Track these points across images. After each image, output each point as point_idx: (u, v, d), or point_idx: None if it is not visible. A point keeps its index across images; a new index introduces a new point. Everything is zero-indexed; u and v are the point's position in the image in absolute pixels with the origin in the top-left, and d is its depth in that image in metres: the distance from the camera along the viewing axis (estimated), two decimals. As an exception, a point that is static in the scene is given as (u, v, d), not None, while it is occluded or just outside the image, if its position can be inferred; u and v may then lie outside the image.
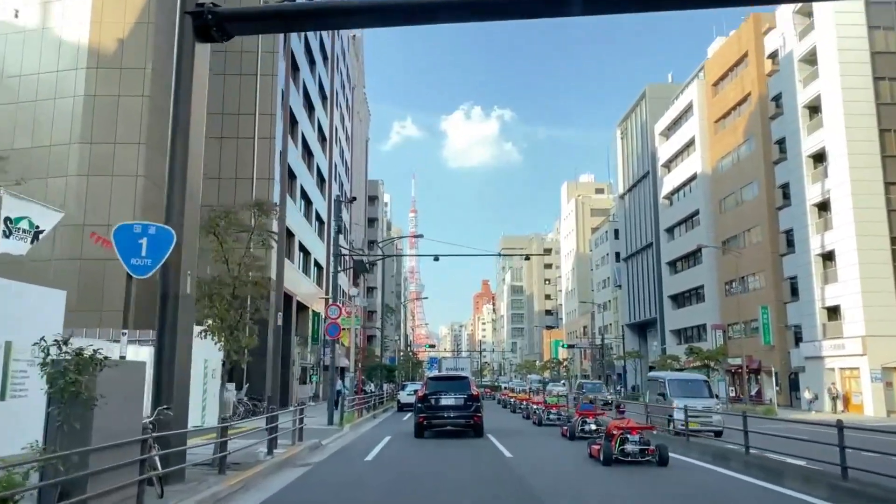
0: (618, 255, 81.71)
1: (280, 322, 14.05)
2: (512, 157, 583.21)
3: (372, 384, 38.10)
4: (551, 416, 23.10)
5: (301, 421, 15.36)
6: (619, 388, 74.22)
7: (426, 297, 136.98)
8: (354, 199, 40.74)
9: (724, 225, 51.87)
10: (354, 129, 73.31)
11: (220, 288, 10.73)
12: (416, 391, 30.29)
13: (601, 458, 11.91)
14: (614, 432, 12.35)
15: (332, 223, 24.60)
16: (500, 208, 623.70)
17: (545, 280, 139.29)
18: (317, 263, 44.51)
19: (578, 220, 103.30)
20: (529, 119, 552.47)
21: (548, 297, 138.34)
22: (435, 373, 29.87)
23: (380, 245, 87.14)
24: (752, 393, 46.58)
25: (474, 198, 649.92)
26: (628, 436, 12.11)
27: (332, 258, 24.25)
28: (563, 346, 72.31)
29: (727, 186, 51.72)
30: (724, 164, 52.51)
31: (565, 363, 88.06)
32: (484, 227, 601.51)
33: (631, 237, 74.57)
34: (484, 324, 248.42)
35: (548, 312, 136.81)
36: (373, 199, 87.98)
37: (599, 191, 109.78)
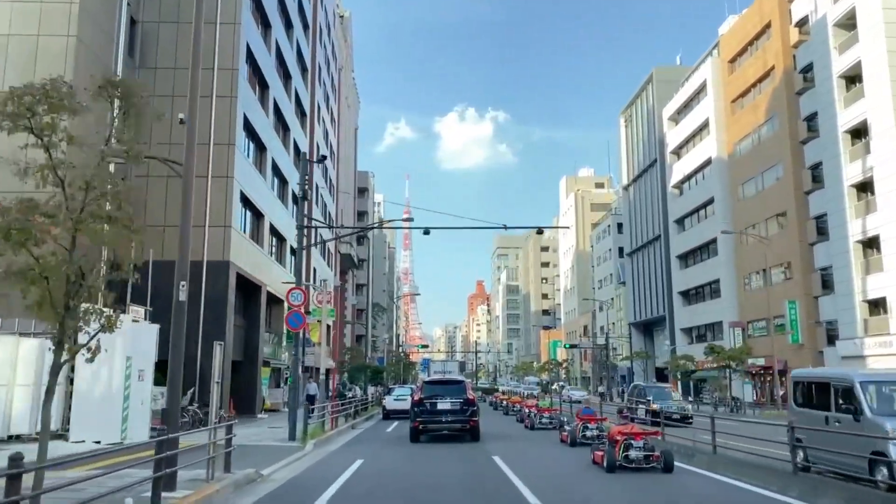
0: (621, 250, 77.27)
1: (184, 297, 9.22)
2: (506, 159, 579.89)
3: (357, 387, 33.41)
4: (543, 420, 23.11)
5: (229, 442, 10.77)
6: (621, 390, 69.81)
7: (419, 293, 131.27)
8: (325, 157, 36.11)
9: (744, 213, 47.47)
10: (342, 114, 68.69)
11: (41, 223, 6.14)
12: (405, 396, 25.96)
13: (605, 465, 11.57)
14: (618, 438, 11.95)
15: (298, 186, 19.94)
16: (494, 210, 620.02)
17: (542, 279, 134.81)
18: (294, 251, 39.86)
19: (578, 216, 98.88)
20: (524, 120, 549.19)
21: (545, 296, 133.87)
22: (431, 377, 28.60)
23: (372, 232, 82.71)
24: (778, 396, 42.14)
25: (468, 199, 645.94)
26: (632, 441, 11.68)
27: (299, 231, 19.63)
28: (564, 347, 67.87)
29: (746, 171, 47.34)
30: (743, 147, 48.13)
31: (565, 364, 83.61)
32: (478, 229, 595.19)
33: (636, 231, 70.16)
34: (479, 325, 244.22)
35: (545, 312, 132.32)
36: (362, 192, 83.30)
37: (599, 185, 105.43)
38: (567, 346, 65.23)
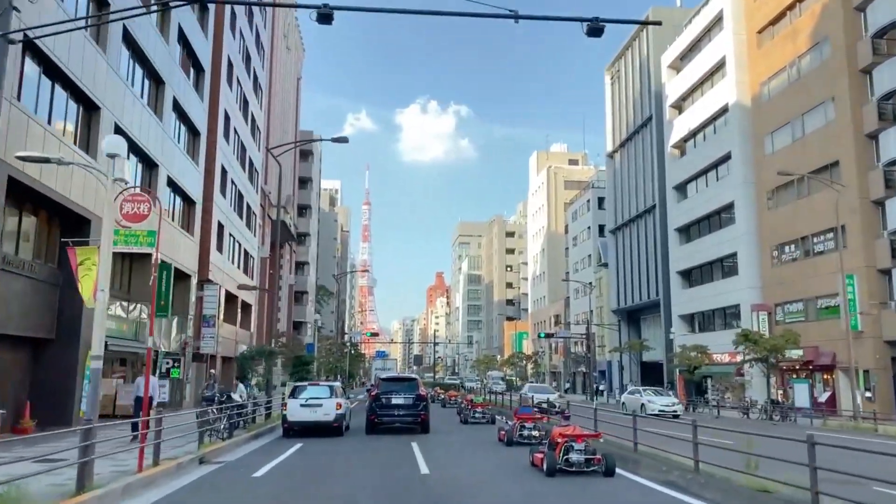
0: (602, 228, 67.63)
1: None
2: (468, 154, 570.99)
3: (244, 386, 22.08)
4: (476, 415, 23.62)
5: None
6: (599, 388, 60.28)
7: (371, 276, 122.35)
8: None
9: (772, 169, 37.95)
10: (279, 56, 57.16)
11: None
12: (321, 399, 17.45)
13: (544, 469, 11.13)
14: (558, 440, 11.51)
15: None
16: (455, 202, 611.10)
17: (507, 267, 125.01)
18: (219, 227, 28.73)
19: (550, 194, 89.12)
20: (486, 116, 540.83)
21: (510, 285, 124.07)
22: (387, 374, 26.15)
23: (318, 207, 70.70)
24: (821, 399, 32.69)
25: (429, 192, 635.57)
26: (573, 444, 11.26)
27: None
28: (539, 336, 57.56)
29: (777, 116, 37.78)
30: (774, 87, 38.55)
31: (534, 358, 73.77)
32: (439, 221, 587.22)
33: (622, 204, 60.50)
34: (437, 317, 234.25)
35: (509, 302, 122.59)
36: (305, 155, 71.80)
37: (573, 162, 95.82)
38: (542, 335, 55.16)
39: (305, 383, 20.37)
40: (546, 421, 16.28)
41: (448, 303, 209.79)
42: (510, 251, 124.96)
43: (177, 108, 26.12)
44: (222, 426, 15.66)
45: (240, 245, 38.77)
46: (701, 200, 45.45)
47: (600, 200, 68.77)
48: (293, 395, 18.35)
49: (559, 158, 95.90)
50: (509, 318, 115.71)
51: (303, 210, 70.99)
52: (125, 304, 22.41)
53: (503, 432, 16.57)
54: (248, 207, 41.30)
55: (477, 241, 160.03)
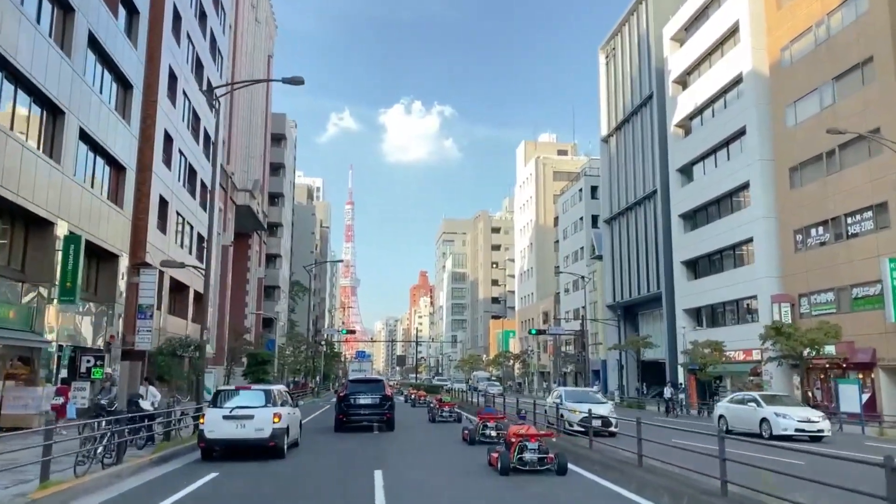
0: (595, 219, 63.40)
1: None
2: (452, 154, 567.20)
3: (150, 390, 16.90)
4: (444, 414, 24.32)
5: None
6: (595, 389, 55.83)
7: (355, 276, 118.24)
8: None
9: (794, 143, 33.76)
10: (247, 26, 52.23)
11: None
12: (251, 409, 11.93)
13: (499, 467, 11.22)
14: (513, 440, 11.72)
15: None
16: (440, 203, 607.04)
17: (493, 264, 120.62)
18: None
19: (539, 186, 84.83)
20: (470, 117, 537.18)
21: (495, 282, 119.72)
22: (356, 376, 27.19)
23: (292, 198, 65.43)
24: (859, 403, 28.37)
25: (414, 193, 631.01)
26: (527, 444, 11.40)
27: None
28: (530, 332, 52.87)
29: (802, 83, 33.56)
30: (797, 51, 34.34)
31: (522, 357, 69.38)
32: (424, 222, 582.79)
33: (618, 191, 56.23)
34: (421, 317, 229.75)
35: (495, 300, 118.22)
36: (278, 140, 66.84)
37: (563, 152, 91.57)
38: (532, 331, 50.51)
39: (232, 386, 15.62)
40: (506, 420, 16.04)
41: (432, 302, 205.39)
42: (496, 247, 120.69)
43: (95, 46, 21.23)
44: (100, 448, 10.87)
45: (192, 228, 33.87)
46: (709, 182, 41.21)
47: (593, 189, 64.52)
48: (215, 402, 13.54)
49: (548, 149, 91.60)
50: (495, 317, 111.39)
51: (275, 199, 65.97)
52: (16, 284, 17.52)
53: (466, 431, 16.73)
54: (203, 185, 36.38)
55: (461, 238, 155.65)
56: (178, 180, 31.13)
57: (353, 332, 62.95)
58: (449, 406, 25.27)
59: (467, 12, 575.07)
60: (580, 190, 65.96)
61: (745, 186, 37.25)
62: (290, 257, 77.98)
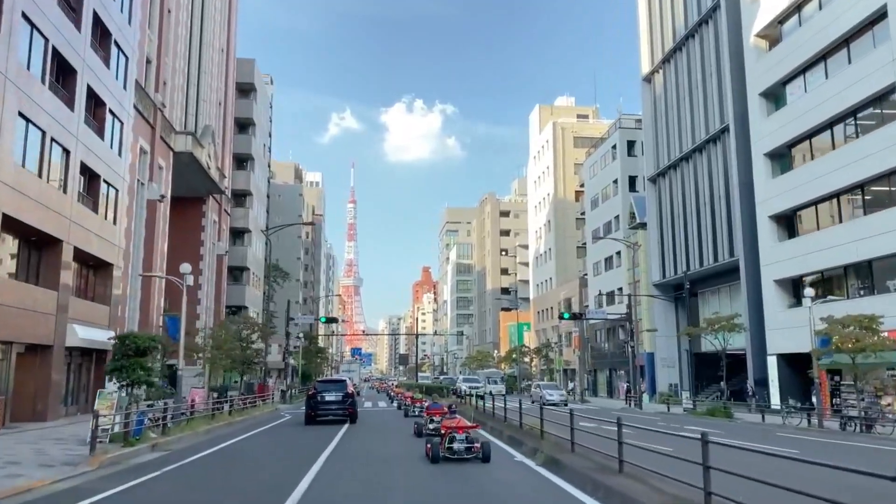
0: (633, 180, 51.93)
1: None
2: (455, 152, 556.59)
3: None
4: (415, 410, 24.80)
5: None
6: (635, 389, 44.25)
7: (357, 275, 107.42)
8: None
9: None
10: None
11: None
12: None
13: (430, 456, 12.18)
14: (443, 432, 12.74)
15: None
16: (443, 201, 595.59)
17: (501, 251, 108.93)
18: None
19: (557, 154, 73.23)
20: (472, 114, 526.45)
21: (504, 271, 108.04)
22: (324, 377, 31.07)
23: (269, 173, 53.02)
24: None
25: (416, 191, 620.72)
26: (455, 435, 12.41)
27: None
28: (562, 316, 40.65)
29: None
30: None
31: (545, 352, 57.83)
32: (426, 220, 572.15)
33: (667, 140, 44.69)
34: (424, 314, 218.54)
35: (504, 291, 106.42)
36: (245, 92, 55.40)
37: (583, 117, 79.84)
38: (566, 315, 38.44)
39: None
40: (448, 415, 15.50)
41: (435, 298, 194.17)
42: (505, 233, 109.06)
43: None
44: None
45: (67, 154, 22.32)
46: (814, 102, 29.59)
47: (630, 145, 52.96)
48: None
49: (566, 113, 79.94)
50: (505, 309, 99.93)
51: (243, 162, 54.53)
52: None
53: (416, 425, 17.68)
54: (96, 99, 24.87)
55: (466, 227, 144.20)
56: (28, 67, 19.61)
57: (334, 320, 51.60)
58: (421, 402, 24.72)
59: (466, 9, 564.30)
60: (613, 147, 54.31)
61: (885, 95, 25.62)
62: (266, 237, 66.53)
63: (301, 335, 53.87)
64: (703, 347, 39.08)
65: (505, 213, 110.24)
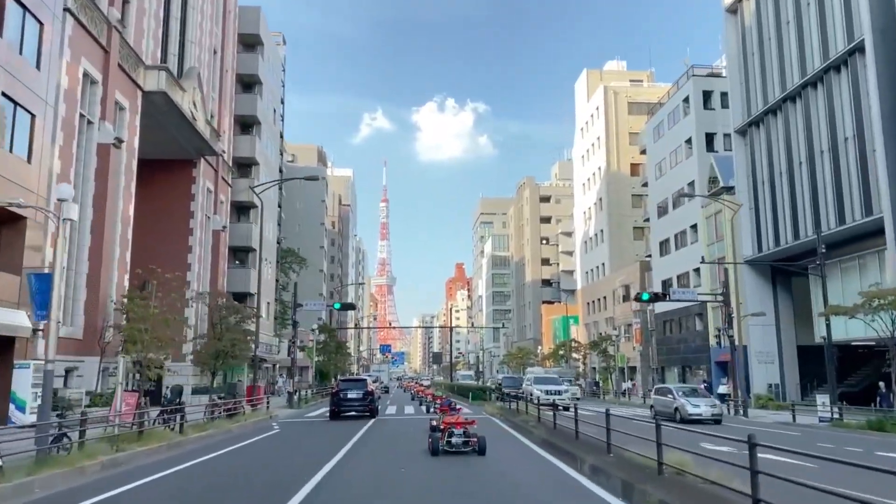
0: (711, 138, 43.03)
1: None
2: (487, 151, 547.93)
3: None
4: (436, 406, 23.61)
5: None
6: (720, 392, 35.15)
7: (391, 274, 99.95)
8: None
9: None
10: None
11: None
12: None
13: (430, 449, 13.06)
14: (442, 427, 13.50)
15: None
16: (475, 200, 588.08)
17: (542, 240, 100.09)
18: None
19: (609, 122, 64.27)
20: (504, 112, 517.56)
21: (545, 262, 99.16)
22: (346, 376, 31.10)
23: (282, 151, 44.66)
24: None
25: (448, 190, 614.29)
26: (454, 430, 13.25)
27: None
28: (642, 299, 31.09)
29: None
30: None
31: (603, 346, 49.13)
32: (459, 219, 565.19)
33: (761, 80, 35.71)
34: (458, 311, 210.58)
35: (546, 283, 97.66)
36: (251, 46, 47.88)
37: (636, 82, 70.62)
38: (645, 296, 29.05)
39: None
40: (449, 412, 16.08)
41: (469, 295, 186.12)
42: (545, 220, 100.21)
43: None
44: None
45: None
46: None
47: (706, 95, 43.97)
48: None
49: (617, 78, 70.80)
50: (547, 302, 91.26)
51: (247, 127, 46.98)
52: None
53: (433, 422, 16.93)
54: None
55: (502, 219, 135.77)
56: None
57: (350, 306, 43.14)
58: (440, 399, 21.17)
59: (495, 6, 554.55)
60: (684, 100, 45.29)
61: None
62: (280, 219, 59.04)
63: (316, 327, 45.97)
64: (815, 338, 30.24)
65: (545, 199, 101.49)
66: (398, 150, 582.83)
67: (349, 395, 24.55)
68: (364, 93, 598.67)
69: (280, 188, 57.14)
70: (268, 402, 26.74)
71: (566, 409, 18.66)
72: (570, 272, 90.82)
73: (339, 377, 43.29)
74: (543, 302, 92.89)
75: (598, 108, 66.03)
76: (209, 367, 33.22)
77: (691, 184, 44.00)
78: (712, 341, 40.12)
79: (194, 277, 35.11)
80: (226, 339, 25.10)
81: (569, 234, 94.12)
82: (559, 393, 29.36)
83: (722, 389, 34.64)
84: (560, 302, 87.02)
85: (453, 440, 13.08)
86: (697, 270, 41.98)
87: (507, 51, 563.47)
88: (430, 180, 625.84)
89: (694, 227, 43.04)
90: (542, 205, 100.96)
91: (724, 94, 43.16)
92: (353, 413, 24.31)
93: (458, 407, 16.29)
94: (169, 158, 35.08)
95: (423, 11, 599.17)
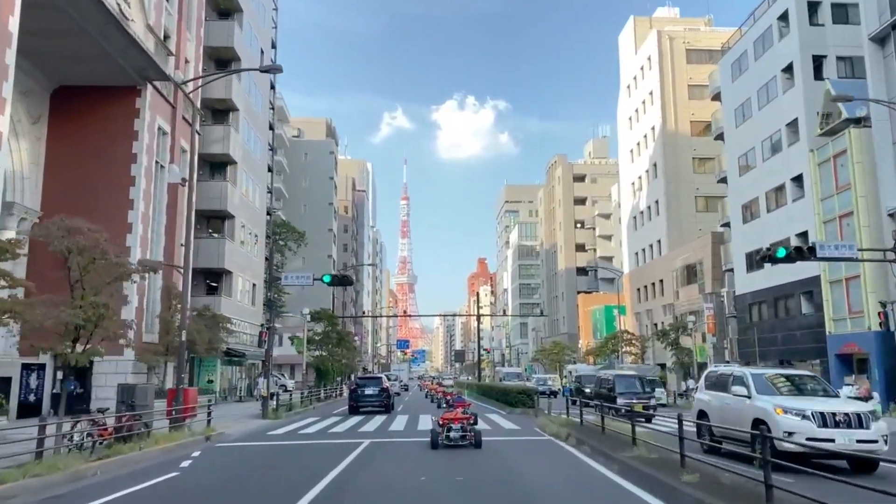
0: (820, 61, 32.80)
1: None
2: (508, 149, 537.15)
3: None
4: (446, 402, 25.53)
5: None
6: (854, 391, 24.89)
7: (412, 273, 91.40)
8: None
9: None
10: None
11: None
12: None
13: (431, 443, 13.98)
14: (442, 423, 14.22)
15: None
16: (496, 198, 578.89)
17: (576, 224, 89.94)
18: None
19: (665, 73, 54.01)
20: (525, 110, 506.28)
21: (580, 247, 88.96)
22: (361, 374, 32.65)
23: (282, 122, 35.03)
24: None
25: (469, 188, 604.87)
26: (452, 425, 14.01)
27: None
28: (774, 259, 21.57)
29: None
30: None
31: (673, 337, 39.08)
32: (480, 218, 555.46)
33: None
34: (481, 307, 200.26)
35: (581, 271, 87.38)
36: (226, 13, 38.49)
37: (693, 30, 60.14)
38: (781, 251, 19.15)
39: None
40: (448, 408, 17.65)
41: (492, 290, 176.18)
42: (580, 201, 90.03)
43: None
44: None
45: None
46: None
47: (812, 7, 33.66)
48: None
49: (670, 24, 60.44)
50: (585, 292, 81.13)
51: (223, 63, 37.65)
52: None
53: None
54: None
55: (528, 207, 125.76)
56: None
57: (345, 279, 33.61)
58: (451, 396, 23.42)
59: (519, 4, 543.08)
60: (780, 17, 34.92)
61: None
62: (274, 189, 49.70)
63: (307, 312, 36.51)
64: None
65: (580, 178, 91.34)
66: (418, 148, 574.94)
67: (366, 392, 27.01)
68: (384, 92, 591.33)
69: (285, 168, 47.71)
70: (209, 414, 17.27)
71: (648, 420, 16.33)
72: (609, 258, 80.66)
73: (354, 375, 44.37)
74: (579, 292, 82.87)
75: (649, 59, 55.81)
76: (155, 363, 24.37)
77: (791, 123, 33.73)
78: (831, 327, 30.01)
79: (136, 242, 25.86)
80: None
81: (607, 217, 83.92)
82: (649, 398, 19.73)
83: (847, 392, 24.42)
84: (598, 292, 77.00)
85: (451, 434, 13.84)
86: (804, 235, 31.83)
87: (528, 46, 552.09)
88: (451, 179, 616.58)
89: (798, 179, 32.86)
90: (576, 185, 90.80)
91: (835, 6, 32.96)
92: (370, 408, 26.77)
93: (452, 403, 16.89)
94: (103, 85, 25.99)
95: (441, 8, 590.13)
